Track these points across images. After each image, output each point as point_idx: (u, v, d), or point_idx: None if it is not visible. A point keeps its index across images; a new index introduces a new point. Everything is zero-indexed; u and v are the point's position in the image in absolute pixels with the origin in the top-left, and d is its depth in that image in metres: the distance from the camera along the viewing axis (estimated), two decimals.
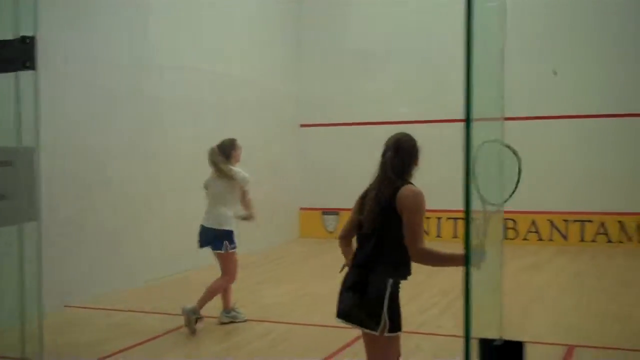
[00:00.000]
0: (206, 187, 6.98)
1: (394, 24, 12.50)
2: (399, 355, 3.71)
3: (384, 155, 3.71)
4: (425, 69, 12.27)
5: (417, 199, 3.53)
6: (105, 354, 5.95)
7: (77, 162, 8.03)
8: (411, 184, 3.64)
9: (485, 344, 1.83)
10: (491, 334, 1.92)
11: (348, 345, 6.08)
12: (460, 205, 1.70)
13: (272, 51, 12.59)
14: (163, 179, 9.42)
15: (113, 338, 6.45)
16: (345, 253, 3.89)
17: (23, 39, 4.87)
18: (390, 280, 3.52)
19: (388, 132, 3.82)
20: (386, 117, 11.95)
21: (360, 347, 3.86)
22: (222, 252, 6.79)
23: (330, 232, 12.90)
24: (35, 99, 4.33)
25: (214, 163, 6.90)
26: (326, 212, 13.19)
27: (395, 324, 3.53)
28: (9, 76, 4.60)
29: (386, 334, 3.50)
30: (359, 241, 3.72)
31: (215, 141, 7.05)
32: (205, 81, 10.47)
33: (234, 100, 11.12)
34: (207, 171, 6.97)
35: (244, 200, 7.00)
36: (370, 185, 3.73)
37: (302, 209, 13.41)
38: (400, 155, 3.67)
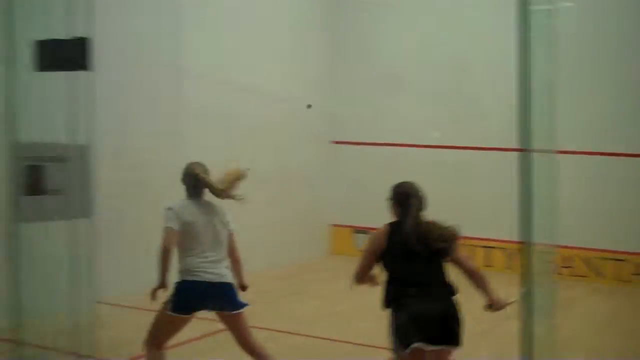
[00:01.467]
0: None
1: (427, 44, 12.45)
2: None
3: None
4: (459, 94, 12.12)
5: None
6: (136, 354, 5.78)
7: (114, 161, 8.44)
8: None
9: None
10: None
11: None
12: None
13: (306, 68, 12.77)
14: None
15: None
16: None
17: (78, 39, 4.92)
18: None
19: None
20: (418, 140, 11.99)
21: None
22: None
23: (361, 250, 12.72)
24: (90, 98, 4.38)
25: None
26: (358, 230, 13.09)
27: None
28: (63, 75, 4.68)
29: None
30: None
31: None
32: (239, 93, 10.76)
33: (267, 115, 11.41)
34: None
35: None
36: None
37: (333, 225, 13.35)
38: None
